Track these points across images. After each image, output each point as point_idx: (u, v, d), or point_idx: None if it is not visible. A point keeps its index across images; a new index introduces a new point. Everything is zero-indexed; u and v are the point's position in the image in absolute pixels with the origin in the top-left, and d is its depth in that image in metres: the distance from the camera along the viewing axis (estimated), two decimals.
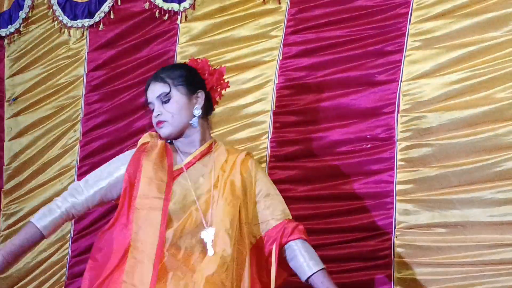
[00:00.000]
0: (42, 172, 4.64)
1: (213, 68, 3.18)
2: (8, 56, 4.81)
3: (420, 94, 3.59)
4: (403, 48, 3.65)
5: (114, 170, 3.06)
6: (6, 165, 4.75)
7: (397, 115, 3.62)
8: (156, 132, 3.11)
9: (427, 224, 3.53)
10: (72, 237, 4.49)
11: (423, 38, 3.63)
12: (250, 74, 4.05)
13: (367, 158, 3.69)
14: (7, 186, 4.72)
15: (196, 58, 3.20)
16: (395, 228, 3.59)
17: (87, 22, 4.56)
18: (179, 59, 4.24)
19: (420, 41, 3.63)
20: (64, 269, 4.48)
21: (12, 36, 4.80)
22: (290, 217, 3.12)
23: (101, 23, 4.53)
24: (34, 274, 4.56)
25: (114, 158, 3.14)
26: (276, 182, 3.80)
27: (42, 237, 3.06)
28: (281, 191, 3.77)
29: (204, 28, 4.23)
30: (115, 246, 2.92)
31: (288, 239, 3.05)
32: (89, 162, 4.50)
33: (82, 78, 4.57)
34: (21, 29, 4.76)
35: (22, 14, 4.72)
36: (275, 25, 4.04)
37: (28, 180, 4.68)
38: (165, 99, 2.99)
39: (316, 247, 3.69)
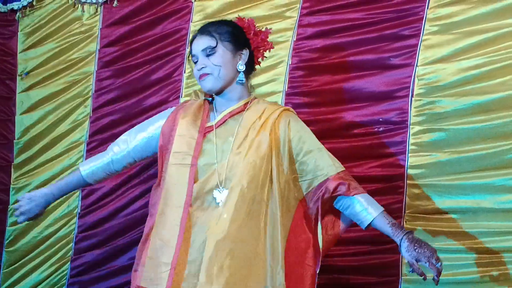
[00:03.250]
0: (52, 147, 4.64)
1: (258, 29, 3.17)
2: (21, 31, 4.79)
3: (436, 79, 3.59)
4: (420, 33, 3.64)
5: (153, 125, 3.14)
6: (17, 139, 4.73)
7: (411, 99, 3.62)
8: (201, 89, 3.13)
9: (438, 210, 3.54)
10: (79, 213, 4.49)
11: (441, 23, 3.62)
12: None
13: (379, 141, 3.70)
14: (17, 160, 4.71)
15: (242, 18, 3.19)
16: (405, 212, 3.60)
17: None
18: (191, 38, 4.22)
19: (438, 26, 3.62)
20: (71, 244, 4.48)
21: (25, 9, 4.78)
22: (334, 172, 3.00)
23: (115, 0, 4.51)
24: (40, 248, 4.56)
25: (158, 114, 3.20)
26: None
27: (86, 182, 3.24)
28: None
29: (218, 6, 4.22)
30: (153, 202, 3.01)
31: (331, 195, 3.01)
32: (99, 138, 4.50)
33: (94, 54, 4.56)
34: (34, 3, 4.74)
35: None
36: (290, 6, 4.02)
37: (38, 155, 4.67)
38: (210, 52, 3.00)
39: None
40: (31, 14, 4.77)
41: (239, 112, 3.05)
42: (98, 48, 4.54)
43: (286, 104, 3.90)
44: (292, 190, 3.00)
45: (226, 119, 3.03)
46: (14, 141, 4.73)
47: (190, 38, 3.13)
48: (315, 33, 3.92)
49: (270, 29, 3.22)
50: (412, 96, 3.62)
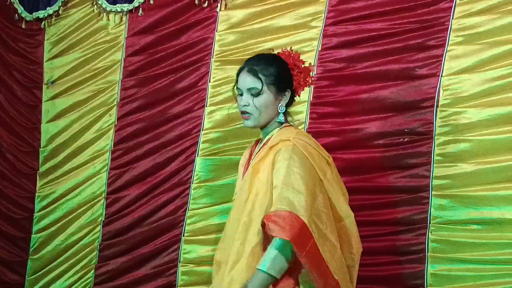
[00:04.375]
0: (77, 155, 4.66)
1: (303, 64, 3.20)
2: (47, 40, 4.82)
3: (461, 89, 3.59)
4: (445, 43, 3.64)
5: None
6: (43, 147, 4.77)
7: (436, 110, 3.61)
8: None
9: (463, 220, 3.53)
10: (103, 220, 4.51)
11: (466, 33, 3.62)
12: None
13: (404, 151, 3.69)
14: (42, 168, 4.74)
15: (289, 52, 3.20)
16: (430, 223, 3.59)
17: (126, 7, 4.57)
18: (217, 47, 4.25)
19: (463, 36, 3.62)
20: (95, 252, 4.50)
21: (51, 18, 4.81)
22: (273, 210, 2.86)
23: (140, 9, 4.53)
24: (65, 256, 4.58)
25: None
26: None
27: None
28: None
29: (243, 16, 4.23)
30: None
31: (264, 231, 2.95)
32: (123, 146, 4.52)
33: (119, 63, 4.58)
34: (60, 12, 4.77)
35: None
36: (315, 16, 4.02)
37: (63, 163, 4.70)
38: (255, 93, 3.06)
39: None
40: (57, 23, 4.80)
41: (264, 145, 3.11)
42: (123, 57, 4.57)
43: (311, 114, 3.91)
44: None
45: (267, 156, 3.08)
46: (40, 149, 4.77)
47: (238, 69, 3.17)
48: (340, 43, 3.92)
49: (314, 65, 3.35)
50: (437, 106, 3.61)
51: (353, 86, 3.85)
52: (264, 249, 2.89)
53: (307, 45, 4.01)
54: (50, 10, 4.77)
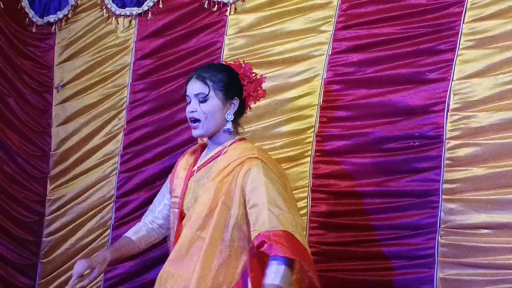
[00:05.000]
0: (86, 158, 4.66)
1: (254, 75, 3.23)
2: (58, 43, 4.82)
3: (471, 94, 3.59)
4: (456, 47, 3.64)
5: (166, 186, 3.38)
6: (53, 151, 4.77)
7: (447, 114, 3.62)
8: None
9: (473, 225, 3.53)
10: (113, 224, 4.51)
11: (477, 37, 3.62)
12: (298, 68, 4.05)
13: (414, 155, 3.69)
14: (53, 172, 4.74)
15: (241, 61, 3.27)
16: (439, 227, 3.59)
17: (135, 10, 4.57)
18: (226, 51, 4.25)
19: (473, 41, 3.62)
20: None
21: (61, 22, 4.82)
22: (264, 230, 2.92)
23: (150, 12, 4.53)
24: (74, 259, 4.57)
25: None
26: (320, 177, 3.87)
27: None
28: (324, 186, 3.86)
29: (253, 20, 4.23)
30: None
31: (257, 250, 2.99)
32: (133, 150, 4.52)
33: (128, 66, 4.58)
34: (69, 16, 4.77)
35: (72, 1, 4.73)
36: (325, 20, 4.03)
37: (73, 166, 4.70)
38: (202, 99, 3.10)
39: (357, 243, 3.76)
40: (67, 27, 4.80)
41: (216, 157, 3.12)
42: (132, 61, 4.57)
43: (321, 118, 3.92)
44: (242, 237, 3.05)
45: (207, 163, 3.14)
46: (50, 153, 4.78)
47: (188, 77, 3.22)
48: (350, 47, 3.92)
49: (265, 76, 3.30)
50: (447, 110, 3.61)
51: (364, 90, 3.86)
52: (229, 266, 2.99)
53: (317, 49, 4.02)
54: (60, 14, 4.77)
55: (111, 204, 4.53)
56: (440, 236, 3.58)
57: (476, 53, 3.60)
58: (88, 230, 4.57)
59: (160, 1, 4.49)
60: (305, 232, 3.10)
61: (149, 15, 4.54)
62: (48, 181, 4.74)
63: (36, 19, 4.80)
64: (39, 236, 4.69)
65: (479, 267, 3.50)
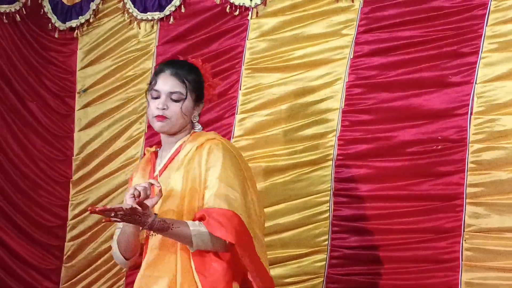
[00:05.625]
0: (108, 163, 4.68)
1: (213, 78, 3.16)
2: (80, 49, 4.84)
3: (495, 97, 3.57)
4: (479, 50, 3.62)
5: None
6: (75, 156, 4.80)
7: (470, 117, 3.60)
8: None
9: (498, 228, 3.51)
10: None
11: (500, 40, 3.60)
12: (319, 71, 4.04)
13: (438, 159, 3.67)
14: (75, 176, 4.77)
15: (201, 62, 3.13)
16: (464, 231, 3.57)
17: (157, 15, 4.58)
18: (248, 55, 4.25)
19: (497, 44, 3.60)
20: None
21: (83, 27, 4.85)
22: (215, 206, 2.79)
23: (172, 17, 4.54)
24: (97, 263, 4.60)
25: None
26: (342, 180, 3.86)
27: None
28: (347, 189, 3.84)
29: (274, 24, 4.22)
30: None
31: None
32: None
33: (150, 71, 4.58)
34: (91, 20, 4.80)
35: (93, 6, 4.75)
36: (347, 24, 4.01)
37: (95, 171, 4.72)
38: (177, 98, 2.92)
39: (381, 247, 3.75)
40: (89, 32, 4.83)
41: (177, 153, 2.97)
42: (154, 65, 4.57)
43: (342, 121, 3.91)
44: None
45: (169, 163, 2.97)
46: (73, 157, 4.80)
47: (157, 68, 3.05)
48: (372, 51, 3.91)
49: (218, 80, 3.27)
50: (471, 113, 3.60)
51: (386, 94, 3.84)
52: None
53: (338, 53, 4.01)
54: (82, 19, 4.80)
55: None
56: (465, 240, 3.56)
57: (500, 56, 3.58)
58: (110, 234, 4.58)
59: (182, 5, 4.50)
60: (256, 219, 2.90)
61: (171, 19, 4.55)
62: (71, 186, 4.77)
63: (58, 24, 4.83)
64: (62, 240, 4.72)
65: (504, 271, 3.47)
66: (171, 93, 2.92)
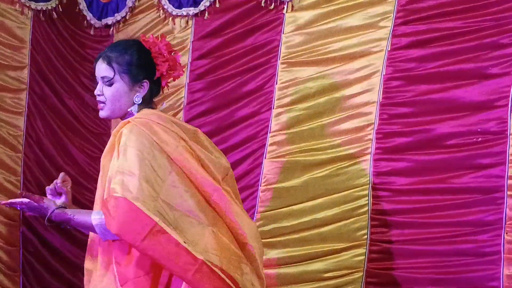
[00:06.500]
0: None
1: (170, 54, 3.04)
2: None
3: None
4: None
5: None
6: None
7: (511, 109, 3.56)
8: None
9: None
10: None
11: None
12: (356, 64, 4.01)
13: (478, 151, 3.64)
14: None
15: (156, 38, 3.05)
16: (505, 223, 3.53)
17: (192, 10, 4.58)
18: (283, 49, 4.23)
19: None
20: None
21: (119, 24, 4.86)
22: (111, 195, 2.72)
23: (206, 12, 4.54)
24: None
25: None
26: (381, 174, 3.84)
27: None
28: (385, 183, 3.82)
29: (310, 17, 4.20)
30: None
31: None
32: None
33: (186, 66, 4.58)
34: (127, 18, 4.82)
35: (129, 3, 4.77)
36: (384, 16, 3.98)
37: None
38: (107, 83, 2.92)
39: (421, 241, 3.72)
40: (124, 29, 4.84)
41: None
42: (189, 61, 4.57)
43: (380, 114, 3.89)
44: None
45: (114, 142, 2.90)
46: None
47: (97, 56, 3.02)
48: (410, 43, 3.88)
49: (179, 54, 3.14)
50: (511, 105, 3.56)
51: (424, 86, 3.81)
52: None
53: (375, 45, 3.98)
54: (118, 16, 4.82)
55: None
56: (506, 233, 3.52)
57: None
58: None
59: (217, 0, 4.50)
60: (159, 202, 2.70)
61: (206, 15, 4.55)
62: None
63: (94, 21, 4.85)
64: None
65: None
66: (102, 78, 2.95)
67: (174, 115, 4.61)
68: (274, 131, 4.21)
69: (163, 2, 4.65)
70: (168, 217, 2.68)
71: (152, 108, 3.00)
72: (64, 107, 4.72)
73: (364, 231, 3.84)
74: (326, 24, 4.14)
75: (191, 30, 4.61)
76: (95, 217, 2.77)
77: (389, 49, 3.93)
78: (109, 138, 4.64)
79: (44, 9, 4.63)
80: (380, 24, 3.99)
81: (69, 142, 4.70)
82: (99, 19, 4.86)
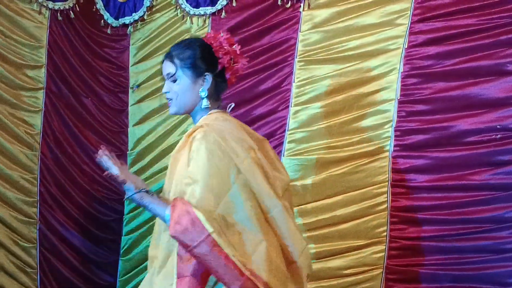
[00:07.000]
0: (162, 157, 4.71)
1: (231, 46, 3.04)
2: (133, 44, 4.89)
3: None
4: None
5: None
6: (130, 150, 4.85)
7: None
8: None
9: None
10: None
11: None
12: (374, 62, 4.03)
13: (497, 148, 3.66)
14: (130, 171, 4.75)
15: (217, 33, 3.07)
16: None
17: (209, 9, 4.60)
18: (300, 47, 4.25)
19: None
20: None
21: (136, 24, 4.88)
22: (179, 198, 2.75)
23: (223, 11, 4.56)
24: None
25: None
26: (400, 171, 3.84)
27: None
28: (404, 180, 3.83)
29: (327, 15, 4.21)
30: None
31: None
32: None
33: None
34: (145, 17, 4.83)
35: (147, 2, 4.79)
36: (401, 13, 3.99)
37: (149, 165, 4.76)
38: (171, 79, 2.98)
39: (440, 238, 3.72)
40: (142, 28, 4.86)
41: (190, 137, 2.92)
42: None
43: (399, 112, 3.90)
44: None
45: (184, 145, 2.92)
46: (128, 152, 4.84)
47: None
48: (427, 40, 3.89)
49: (239, 46, 3.10)
50: None
51: (442, 83, 3.82)
52: None
53: (392, 43, 3.99)
54: (135, 16, 4.84)
55: None
56: None
57: None
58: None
59: None
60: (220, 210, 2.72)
61: (223, 13, 4.56)
62: None
63: (111, 21, 4.87)
64: (119, 234, 4.78)
65: None
66: (167, 75, 3.01)
67: None
68: (292, 129, 4.23)
69: (180, 2, 4.67)
70: (223, 228, 2.72)
71: (220, 106, 3.03)
72: (81, 106, 4.75)
73: (384, 228, 3.86)
74: (343, 22, 4.15)
75: (208, 29, 4.62)
76: (168, 213, 2.77)
77: (406, 47, 3.94)
78: (126, 136, 4.79)
79: (61, 8, 4.65)
80: (397, 21, 4.00)
81: (85, 140, 4.73)
82: (116, 18, 4.87)
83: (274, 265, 2.77)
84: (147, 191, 2.81)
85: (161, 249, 2.85)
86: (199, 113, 2.98)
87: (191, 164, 2.78)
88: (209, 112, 2.97)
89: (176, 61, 2.98)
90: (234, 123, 2.96)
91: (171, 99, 2.99)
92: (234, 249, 2.70)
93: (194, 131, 2.85)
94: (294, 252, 2.87)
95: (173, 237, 2.69)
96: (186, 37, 4.62)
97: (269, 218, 2.85)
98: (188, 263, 2.75)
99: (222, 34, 3.04)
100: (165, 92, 3.01)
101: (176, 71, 2.97)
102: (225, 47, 3.01)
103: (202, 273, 2.76)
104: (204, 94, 2.96)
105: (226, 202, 2.75)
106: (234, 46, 3.05)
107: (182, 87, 2.96)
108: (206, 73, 2.96)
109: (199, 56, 2.98)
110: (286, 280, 2.82)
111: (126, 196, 2.82)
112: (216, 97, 3.01)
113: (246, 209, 2.78)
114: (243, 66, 3.07)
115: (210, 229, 2.67)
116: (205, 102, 2.96)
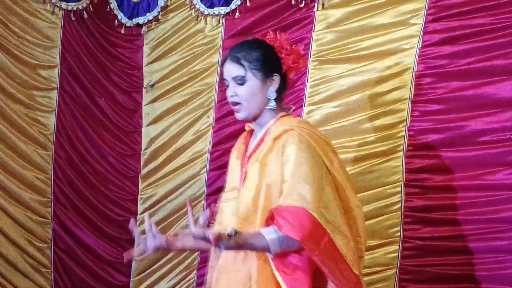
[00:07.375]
0: (176, 157, 4.73)
1: (292, 46, 3.02)
2: (146, 44, 4.89)
3: None
4: None
5: None
6: (143, 150, 4.86)
7: None
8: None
9: None
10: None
11: None
12: (388, 61, 4.01)
13: (511, 148, 3.62)
14: (144, 171, 4.82)
15: (275, 34, 3.05)
16: None
17: (223, 9, 4.61)
18: (314, 46, 4.24)
19: None
20: (197, 253, 4.54)
21: (150, 24, 4.88)
22: (284, 204, 2.72)
23: (237, 11, 4.56)
24: (168, 257, 4.64)
25: None
26: (413, 171, 3.83)
27: None
28: (418, 180, 3.81)
29: (341, 15, 4.20)
30: None
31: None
32: (221, 148, 4.55)
33: (216, 65, 4.61)
34: (159, 17, 4.84)
35: (161, 2, 4.79)
36: (415, 13, 3.97)
37: (163, 165, 4.77)
38: (240, 82, 2.91)
39: (454, 238, 3.70)
40: (155, 28, 4.87)
41: (263, 139, 2.93)
42: (220, 59, 4.59)
43: (412, 111, 3.89)
44: None
45: (257, 149, 2.94)
46: (141, 152, 4.85)
47: (223, 59, 3.04)
48: (441, 40, 3.87)
49: (301, 45, 3.10)
50: None
51: (456, 83, 3.80)
52: None
53: (407, 42, 3.97)
54: (149, 16, 4.85)
55: (202, 202, 4.58)
56: None
57: None
58: (180, 227, 4.62)
59: None
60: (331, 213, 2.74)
61: (237, 13, 4.56)
62: (140, 180, 4.83)
63: (125, 20, 4.88)
64: (132, 234, 4.76)
65: None
66: (233, 78, 2.93)
67: (205, 113, 4.65)
68: None
69: (194, 2, 4.68)
70: (331, 229, 2.73)
71: (283, 107, 3.02)
72: (95, 106, 4.77)
73: (397, 228, 3.85)
74: (357, 21, 4.14)
75: (221, 28, 4.63)
76: (271, 236, 2.71)
77: (420, 46, 3.92)
78: (139, 135, 4.79)
79: (74, 9, 4.67)
80: (411, 21, 3.98)
81: (99, 140, 4.75)
82: (130, 18, 4.88)
83: (359, 264, 2.84)
84: (229, 235, 2.68)
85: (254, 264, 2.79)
86: (266, 115, 2.96)
87: (292, 167, 2.76)
88: (281, 114, 2.96)
89: (244, 62, 2.92)
90: (312, 125, 2.99)
91: (238, 103, 2.93)
92: (342, 249, 2.74)
93: (281, 134, 2.84)
94: (363, 249, 2.92)
95: (301, 241, 2.66)
96: (200, 37, 4.69)
97: (348, 216, 2.86)
98: (293, 274, 2.74)
99: (280, 35, 3.04)
100: (231, 96, 2.94)
101: (245, 73, 2.91)
102: (287, 48, 3.00)
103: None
104: (273, 95, 2.93)
105: (324, 201, 2.76)
106: (293, 46, 3.04)
107: (251, 89, 2.91)
108: (274, 74, 2.94)
109: (266, 57, 2.96)
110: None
111: (221, 248, 2.72)
112: (280, 98, 2.99)
113: (339, 212, 2.80)
114: (304, 65, 3.09)
115: (328, 229, 2.70)
116: (272, 104, 2.94)
